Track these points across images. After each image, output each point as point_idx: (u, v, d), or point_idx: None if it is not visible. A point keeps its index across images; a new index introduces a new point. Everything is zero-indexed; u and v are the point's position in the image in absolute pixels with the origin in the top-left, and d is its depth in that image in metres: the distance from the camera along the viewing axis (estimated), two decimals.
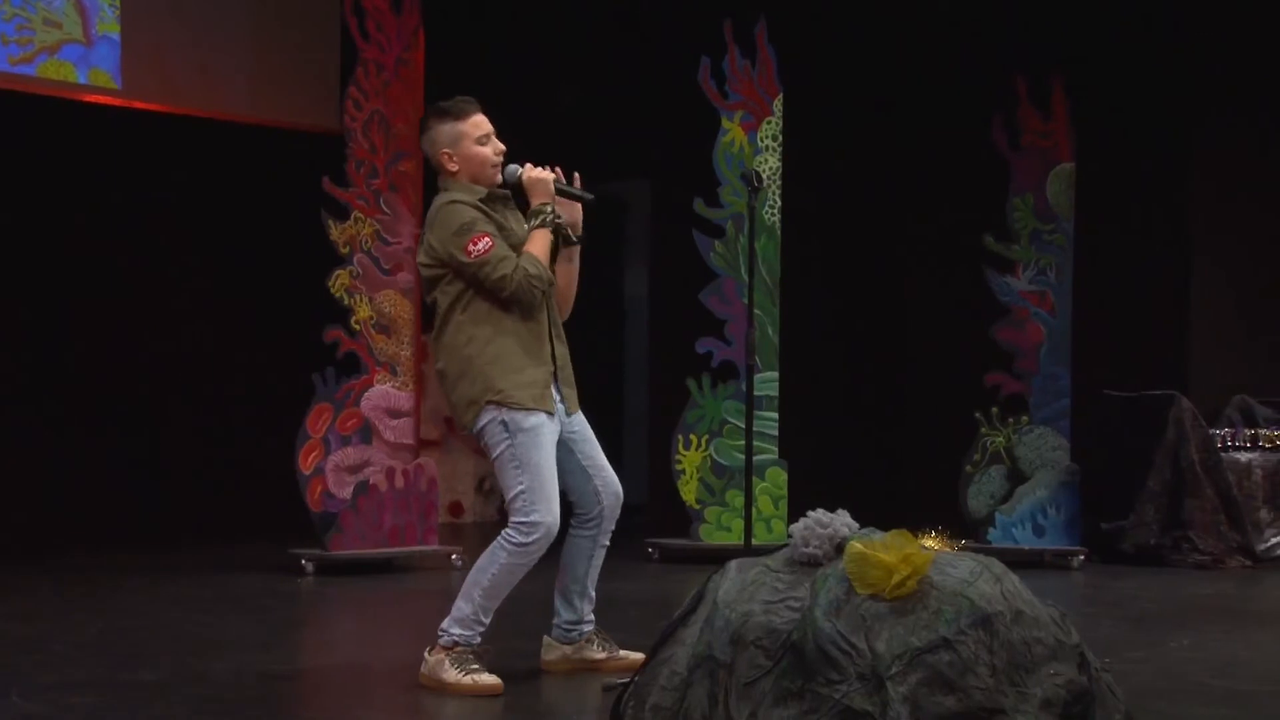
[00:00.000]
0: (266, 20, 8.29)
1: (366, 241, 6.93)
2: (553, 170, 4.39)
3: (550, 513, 4.18)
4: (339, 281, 6.84)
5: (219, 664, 4.57)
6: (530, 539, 4.17)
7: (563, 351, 4.37)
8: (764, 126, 7.53)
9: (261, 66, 8.27)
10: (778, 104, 7.55)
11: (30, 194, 7.85)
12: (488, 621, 4.26)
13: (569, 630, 4.47)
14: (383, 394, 6.96)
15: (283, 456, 6.87)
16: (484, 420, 4.21)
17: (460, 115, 4.33)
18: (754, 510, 7.38)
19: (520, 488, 4.18)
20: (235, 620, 5.51)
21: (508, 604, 4.46)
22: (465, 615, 4.22)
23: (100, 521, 7.84)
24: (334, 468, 6.78)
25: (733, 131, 7.49)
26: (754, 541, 7.16)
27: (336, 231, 6.84)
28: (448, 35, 8.00)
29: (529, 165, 4.35)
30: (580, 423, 4.40)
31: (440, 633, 4.25)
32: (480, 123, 4.35)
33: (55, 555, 7.12)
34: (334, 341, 6.84)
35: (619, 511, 4.45)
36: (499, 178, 4.36)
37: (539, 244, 4.26)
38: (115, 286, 8.16)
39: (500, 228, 4.28)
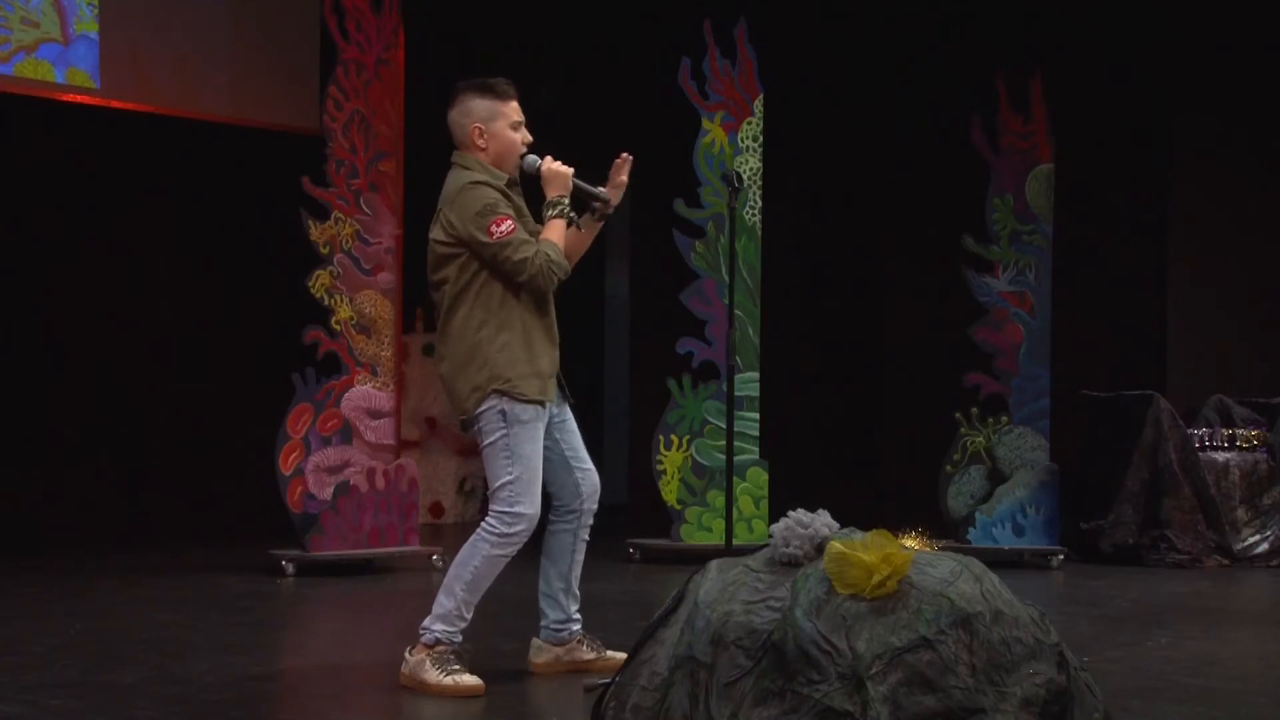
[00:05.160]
0: (246, 20, 8.27)
1: (347, 242, 6.91)
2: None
3: (534, 505, 4.21)
4: (319, 282, 6.82)
5: (198, 665, 4.55)
6: (513, 529, 4.19)
7: (558, 338, 4.39)
8: (744, 127, 7.54)
9: (241, 66, 8.25)
10: (758, 104, 7.56)
11: (7, 194, 7.81)
12: (469, 617, 4.26)
13: (559, 630, 4.47)
14: (363, 394, 6.94)
15: (263, 457, 6.86)
16: (484, 407, 4.20)
17: (502, 96, 4.32)
18: (735, 510, 7.42)
19: (509, 478, 4.19)
20: (215, 621, 5.50)
21: (490, 604, 4.46)
22: (448, 611, 4.22)
23: (79, 522, 7.81)
24: (314, 468, 6.77)
25: (713, 132, 7.50)
26: (735, 542, 7.19)
27: (316, 231, 6.83)
28: (428, 35, 7.98)
29: (549, 158, 4.34)
30: (566, 413, 4.42)
31: (422, 630, 4.25)
32: (517, 109, 4.35)
33: (33, 556, 7.09)
34: (314, 342, 6.82)
35: (597, 505, 4.46)
36: (517, 169, 4.36)
37: (556, 233, 4.27)
38: (93, 286, 8.13)
39: (519, 213, 4.30)
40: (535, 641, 4.50)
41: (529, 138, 4.36)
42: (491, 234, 4.16)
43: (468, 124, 4.31)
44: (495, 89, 4.32)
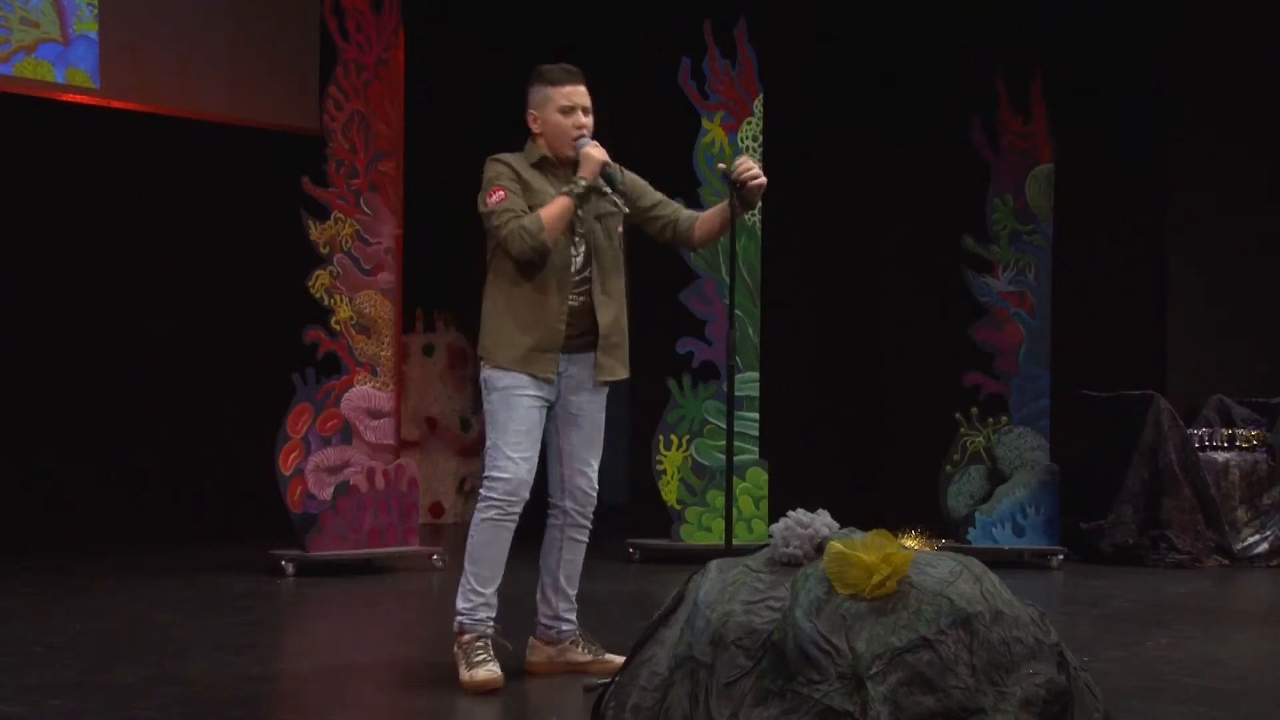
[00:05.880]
0: (246, 20, 8.26)
1: (346, 242, 6.91)
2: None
3: (512, 470, 4.23)
4: (319, 282, 6.82)
5: (198, 665, 4.55)
6: (491, 493, 4.25)
7: (608, 318, 4.37)
8: (744, 127, 7.54)
9: (240, 66, 8.25)
10: (758, 104, 7.56)
11: (6, 195, 7.81)
12: (486, 592, 4.27)
13: (548, 627, 4.49)
14: (363, 394, 6.94)
15: (263, 457, 6.86)
16: (482, 373, 4.37)
17: (553, 81, 4.37)
18: (735, 510, 7.41)
19: (489, 443, 4.32)
20: (215, 621, 5.50)
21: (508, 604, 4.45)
22: (462, 586, 4.30)
23: (78, 522, 7.80)
24: (314, 468, 6.77)
25: (713, 132, 7.50)
26: (735, 542, 7.18)
27: (316, 231, 6.83)
28: (428, 35, 7.98)
29: (594, 143, 4.36)
30: (580, 406, 4.40)
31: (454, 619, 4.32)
32: (570, 94, 4.36)
33: (33, 556, 7.08)
34: (314, 342, 6.82)
35: (588, 508, 4.45)
36: (573, 152, 4.37)
37: (554, 208, 4.26)
38: (93, 287, 8.12)
39: (528, 189, 4.30)
40: (531, 639, 4.53)
41: (583, 121, 4.36)
42: (486, 203, 4.29)
43: (528, 110, 4.41)
44: (546, 75, 4.39)
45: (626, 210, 4.42)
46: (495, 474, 4.25)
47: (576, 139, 4.34)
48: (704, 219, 4.51)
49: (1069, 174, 7.74)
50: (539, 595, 4.49)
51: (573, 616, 4.50)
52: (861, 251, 9.05)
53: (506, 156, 4.37)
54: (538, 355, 4.28)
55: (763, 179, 4.32)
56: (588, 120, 4.37)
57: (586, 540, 4.50)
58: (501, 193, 4.26)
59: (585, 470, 4.43)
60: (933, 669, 3.15)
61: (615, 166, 4.39)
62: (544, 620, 4.49)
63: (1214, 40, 8.39)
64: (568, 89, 4.36)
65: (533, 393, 4.28)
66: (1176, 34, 8.40)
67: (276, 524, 6.91)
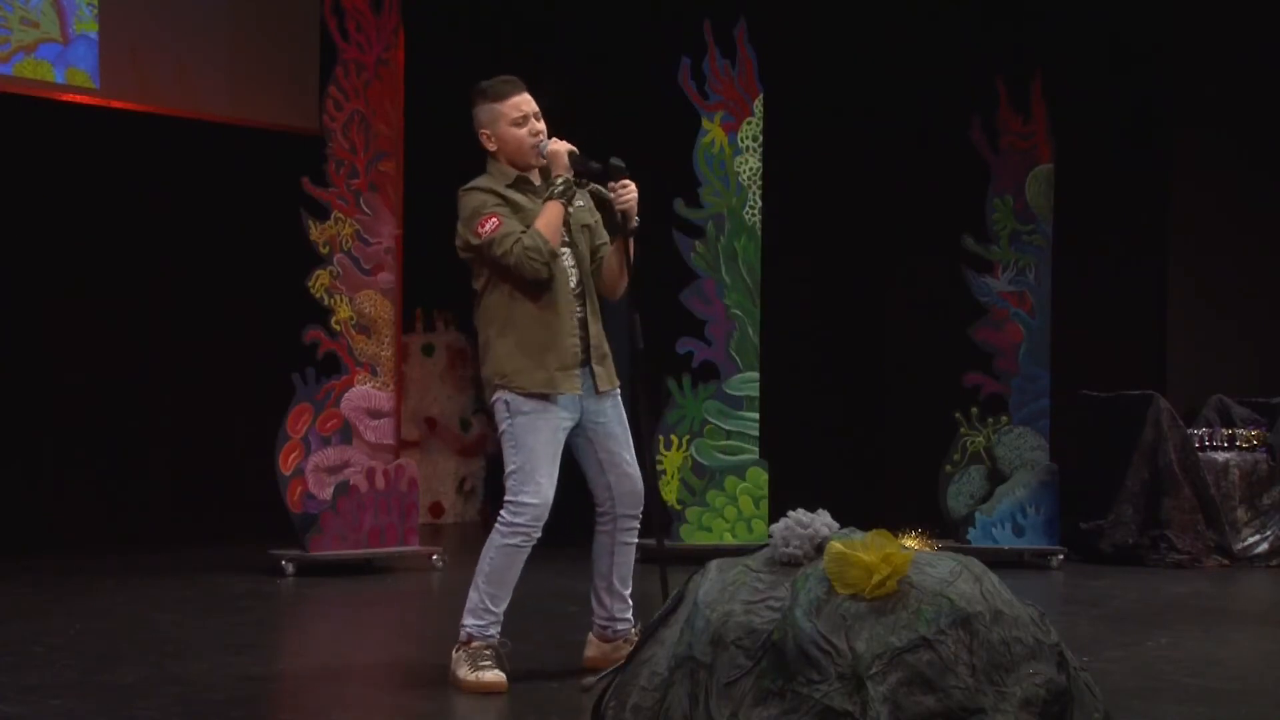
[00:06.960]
0: (245, 20, 8.26)
1: (346, 242, 6.91)
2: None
3: (538, 495, 4.22)
4: (319, 282, 6.82)
5: (198, 665, 4.55)
6: (518, 519, 4.22)
7: (596, 329, 4.39)
8: (744, 127, 7.54)
9: (240, 66, 8.25)
10: (758, 104, 7.56)
11: (6, 195, 7.81)
12: (498, 611, 4.27)
13: (604, 627, 4.50)
14: (363, 394, 6.94)
15: (263, 457, 6.85)
16: (494, 399, 4.31)
17: (497, 96, 4.33)
18: (735, 510, 7.43)
19: (513, 467, 4.25)
20: (215, 621, 5.50)
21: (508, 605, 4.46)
22: (474, 605, 4.27)
23: (78, 522, 7.80)
24: (314, 468, 6.77)
25: (713, 132, 7.50)
26: (735, 541, 7.21)
27: (316, 231, 6.83)
28: (428, 35, 7.98)
29: (554, 140, 4.33)
30: (607, 414, 4.39)
31: (460, 628, 4.28)
32: (518, 104, 4.33)
33: (33, 556, 7.08)
34: (314, 342, 6.83)
35: (636, 509, 4.44)
36: (541, 159, 4.34)
37: (546, 217, 4.25)
38: (93, 287, 8.12)
39: (517, 209, 4.27)
40: (589, 635, 4.54)
41: (539, 127, 4.33)
42: (479, 234, 4.22)
43: (478, 131, 4.36)
44: (487, 91, 4.35)
45: (610, 196, 4.34)
46: (525, 499, 4.21)
47: (535, 145, 4.32)
48: (603, 267, 4.46)
49: (1069, 174, 7.74)
50: (593, 597, 4.49)
51: (628, 615, 4.49)
52: (861, 251, 9.04)
53: (481, 183, 4.31)
54: (564, 375, 4.27)
55: (631, 202, 4.28)
56: (541, 125, 4.34)
57: (636, 540, 4.48)
58: (495, 219, 4.20)
59: (629, 471, 4.42)
60: (933, 669, 3.15)
61: (579, 153, 4.33)
62: (599, 620, 4.49)
63: (1214, 40, 8.39)
64: (514, 99, 4.33)
65: (559, 414, 4.28)
66: (1177, 34, 8.40)
67: (276, 524, 6.91)
